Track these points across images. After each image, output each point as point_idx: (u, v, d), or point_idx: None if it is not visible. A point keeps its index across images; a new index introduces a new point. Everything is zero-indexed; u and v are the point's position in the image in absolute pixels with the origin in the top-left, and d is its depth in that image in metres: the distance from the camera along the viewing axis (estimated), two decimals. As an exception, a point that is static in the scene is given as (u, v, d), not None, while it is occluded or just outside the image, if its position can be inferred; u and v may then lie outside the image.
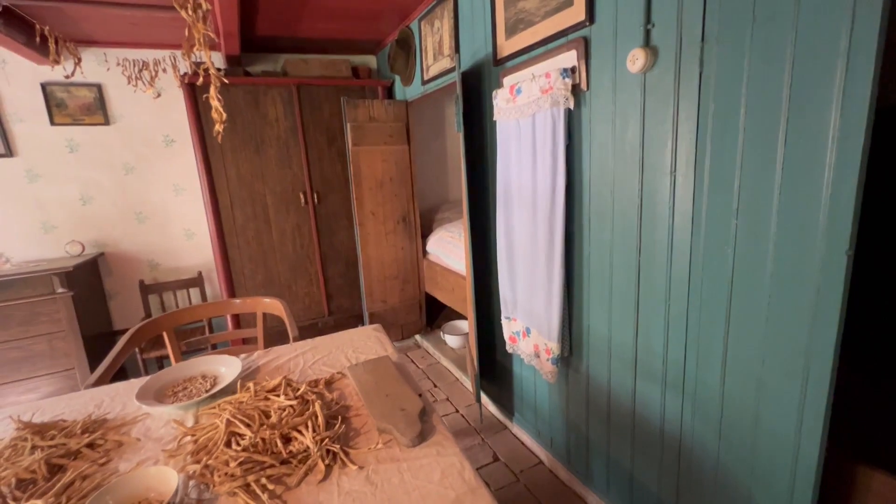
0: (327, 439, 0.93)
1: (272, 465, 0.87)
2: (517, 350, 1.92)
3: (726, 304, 1.07)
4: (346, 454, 0.92)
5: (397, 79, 3.07)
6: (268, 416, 1.00)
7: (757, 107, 0.92)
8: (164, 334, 1.70)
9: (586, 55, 1.37)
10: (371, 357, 1.35)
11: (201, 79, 1.65)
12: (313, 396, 1.08)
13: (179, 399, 1.16)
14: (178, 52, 2.78)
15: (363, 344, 1.47)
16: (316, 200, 3.08)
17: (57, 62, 2.31)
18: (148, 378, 1.24)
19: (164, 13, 2.11)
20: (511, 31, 1.73)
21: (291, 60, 2.97)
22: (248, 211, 2.90)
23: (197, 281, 3.09)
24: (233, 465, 0.86)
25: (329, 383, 1.22)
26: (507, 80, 1.77)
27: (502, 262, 1.90)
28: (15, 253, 2.71)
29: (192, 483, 0.86)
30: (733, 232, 1.03)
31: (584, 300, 1.57)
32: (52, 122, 2.68)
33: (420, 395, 1.11)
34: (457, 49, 2.19)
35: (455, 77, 1.94)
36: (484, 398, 2.47)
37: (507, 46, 1.77)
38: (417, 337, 3.45)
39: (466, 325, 3.20)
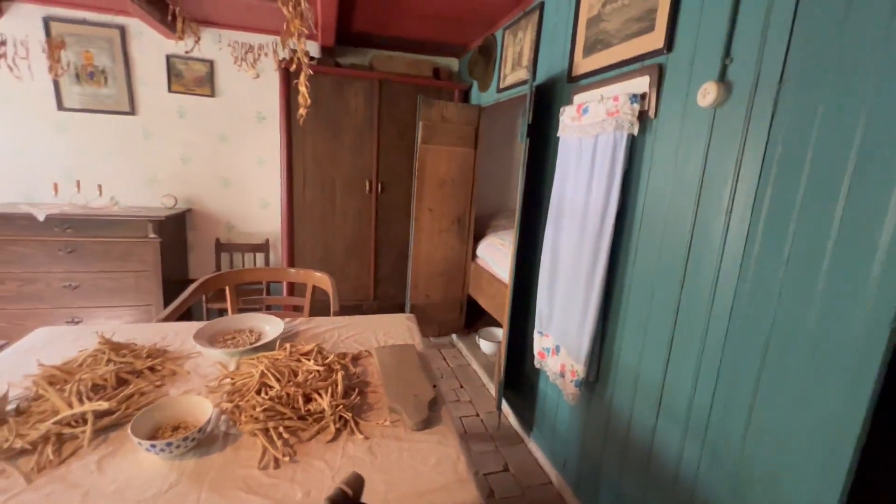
0: (342, 406, 1.02)
1: (290, 418, 0.97)
2: (544, 366, 1.92)
3: (761, 357, 1.02)
4: (357, 423, 1.00)
5: (475, 84, 3.15)
6: (296, 375, 1.11)
7: (823, 159, 0.88)
8: (227, 288, 1.90)
9: (659, 83, 1.35)
10: (399, 343, 1.43)
11: (294, 66, 1.82)
12: (339, 367, 1.18)
13: (227, 346, 1.31)
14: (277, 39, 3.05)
15: (394, 330, 1.55)
16: (380, 190, 3.24)
17: (181, 38, 2.64)
18: (206, 323, 1.41)
19: (273, 3, 2.35)
20: (589, 50, 1.73)
21: (379, 56, 3.15)
22: (318, 191, 3.12)
23: (263, 247, 3.37)
24: (258, 410, 0.97)
25: (356, 359, 1.31)
26: (577, 98, 1.77)
27: (544, 275, 1.91)
28: (122, 198, 3.12)
29: (223, 417, 0.98)
30: (779, 284, 0.97)
31: (618, 328, 1.54)
32: (170, 90, 3.07)
33: (434, 387, 1.17)
34: (535, 61, 2.21)
35: (527, 89, 1.97)
36: (506, 408, 2.47)
37: (582, 65, 1.77)
38: (454, 336, 3.51)
39: (501, 333, 3.21)
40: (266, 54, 2.97)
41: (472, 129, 3.07)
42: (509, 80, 2.55)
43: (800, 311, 0.93)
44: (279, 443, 0.90)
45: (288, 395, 1.03)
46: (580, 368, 1.62)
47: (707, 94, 1.14)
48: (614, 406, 1.56)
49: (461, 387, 2.78)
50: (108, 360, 1.12)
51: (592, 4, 1.71)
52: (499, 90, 2.71)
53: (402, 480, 0.85)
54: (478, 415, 2.47)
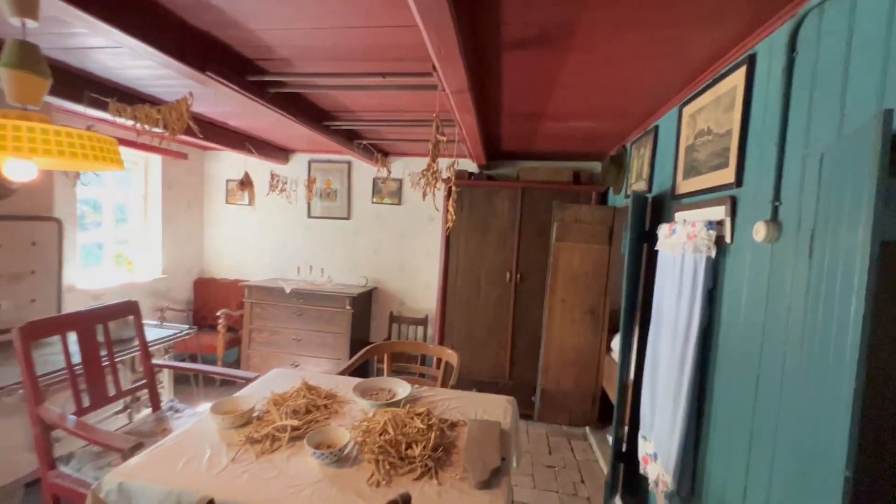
0: (429, 457, 1.41)
1: (393, 457, 1.41)
2: (646, 472, 1.91)
3: (798, 485, 1.01)
4: (436, 472, 1.37)
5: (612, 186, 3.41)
6: (405, 426, 1.56)
7: (834, 304, 0.95)
8: (385, 355, 2.54)
9: (733, 212, 1.48)
10: (490, 419, 1.75)
11: (445, 190, 2.49)
12: (436, 428, 1.59)
13: (372, 398, 1.86)
14: (444, 163, 3.96)
15: (493, 408, 1.88)
16: (518, 280, 3.66)
17: (380, 168, 3.73)
18: (362, 380, 2.02)
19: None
20: (686, 174, 1.91)
21: (524, 167, 3.75)
22: (466, 279, 3.73)
23: (423, 321, 4.10)
24: (376, 446, 1.44)
25: (453, 425, 1.69)
26: (678, 216, 1.93)
27: (646, 379, 1.97)
28: (335, 277, 4.32)
29: (355, 446, 1.48)
30: (824, 432, 1.00)
31: (708, 444, 1.54)
32: (372, 201, 4.25)
33: (503, 460, 1.46)
34: (651, 176, 2.42)
35: (638, 198, 2.20)
36: (622, 514, 2.39)
37: (682, 186, 1.94)
38: (587, 429, 3.48)
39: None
40: (430, 191, 3.90)
41: (606, 228, 3.29)
42: (633, 188, 2.76)
43: (819, 429, 0.95)
44: (383, 472, 1.34)
45: (397, 440, 1.48)
46: (669, 480, 1.63)
47: (758, 231, 1.26)
48: (706, 529, 1.51)
49: (581, 481, 2.78)
50: (303, 396, 1.79)
51: (688, 135, 1.91)
52: (626, 196, 2.93)
53: (451, 518, 1.18)
54: (591, 514, 2.45)
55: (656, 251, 2.01)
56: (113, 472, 1.31)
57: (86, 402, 1.91)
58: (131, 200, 3.90)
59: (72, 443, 1.98)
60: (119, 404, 2.38)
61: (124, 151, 3.62)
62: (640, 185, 2.62)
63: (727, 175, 1.53)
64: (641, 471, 1.98)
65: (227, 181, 4.47)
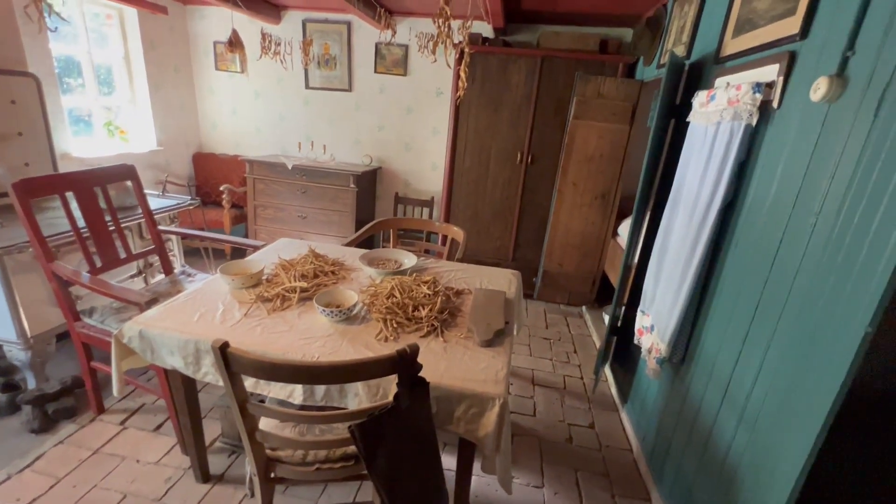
0: (435, 318, 1.45)
1: (401, 317, 1.45)
2: (640, 343, 2.01)
3: (806, 363, 1.04)
4: (442, 331, 1.42)
5: (641, 58, 3.05)
6: (412, 291, 1.59)
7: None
8: (391, 231, 2.53)
9: (788, 72, 1.29)
10: (495, 289, 1.78)
11: (456, 54, 2.22)
12: (442, 294, 1.61)
13: (378, 267, 1.88)
14: (456, 25, 3.50)
15: (497, 280, 1.91)
16: (529, 161, 3.50)
17: (384, 29, 3.31)
18: (369, 250, 2.02)
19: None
20: (738, 30, 1.65)
21: (546, 33, 3.32)
22: (475, 158, 3.56)
23: (429, 203, 4.05)
24: (383, 307, 1.47)
25: (458, 293, 1.73)
26: (718, 81, 1.72)
27: (654, 256, 1.97)
28: (337, 155, 4.15)
29: (363, 307, 1.52)
30: (844, 299, 0.97)
31: (707, 316, 1.57)
32: (375, 71, 3.87)
33: (507, 323, 1.50)
34: (692, 38, 2.12)
35: (663, 70, 1.96)
36: (610, 378, 2.61)
37: (730, 45, 1.70)
38: (583, 308, 3.64)
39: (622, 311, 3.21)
40: (442, 42, 3.46)
41: (630, 105, 3.03)
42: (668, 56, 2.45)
43: (831, 312, 0.94)
44: (390, 329, 1.39)
45: (404, 303, 1.51)
46: (663, 347, 1.70)
47: (818, 88, 1.10)
48: (691, 390, 1.62)
49: (574, 352, 2.98)
50: (311, 262, 1.80)
51: (750, -21, 1.61)
52: (658, 66, 2.62)
53: (456, 369, 1.24)
54: (581, 378, 2.67)
55: (686, 123, 1.84)
56: (132, 320, 1.36)
57: (98, 264, 1.94)
58: (112, 62, 3.56)
59: (93, 300, 2.07)
60: (133, 268, 2.45)
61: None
62: (679, 51, 2.32)
63: (791, 25, 1.30)
64: (636, 341, 2.08)
65: (215, 43, 4.05)
